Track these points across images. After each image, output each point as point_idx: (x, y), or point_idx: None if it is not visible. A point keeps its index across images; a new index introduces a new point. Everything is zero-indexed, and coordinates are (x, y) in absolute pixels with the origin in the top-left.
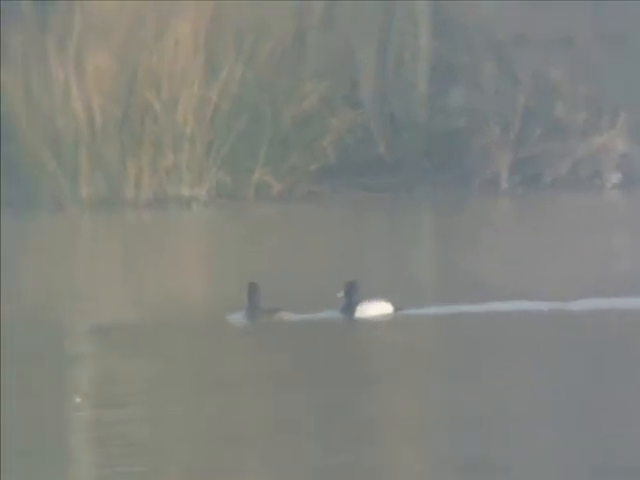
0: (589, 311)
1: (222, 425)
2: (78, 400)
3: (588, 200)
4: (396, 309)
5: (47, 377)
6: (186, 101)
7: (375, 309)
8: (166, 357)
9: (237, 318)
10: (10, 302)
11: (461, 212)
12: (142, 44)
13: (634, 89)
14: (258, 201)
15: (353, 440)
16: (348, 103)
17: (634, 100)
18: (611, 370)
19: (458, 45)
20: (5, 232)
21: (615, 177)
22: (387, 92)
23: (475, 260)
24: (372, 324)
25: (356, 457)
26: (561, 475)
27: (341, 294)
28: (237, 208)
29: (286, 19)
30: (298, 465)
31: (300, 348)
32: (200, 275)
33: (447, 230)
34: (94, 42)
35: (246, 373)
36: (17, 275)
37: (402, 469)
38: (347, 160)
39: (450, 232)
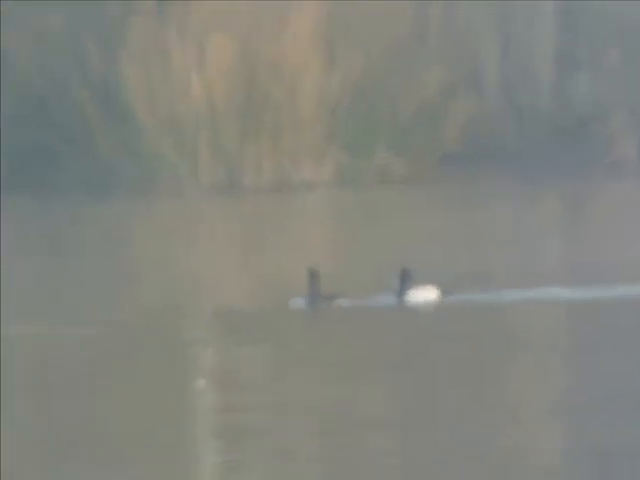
0: None
1: (345, 410)
2: (202, 384)
3: None
4: (444, 294)
5: (173, 360)
6: (307, 85)
7: (423, 294)
8: (284, 341)
9: (298, 303)
10: (135, 286)
11: (585, 199)
12: (263, 29)
13: None
14: (379, 185)
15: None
16: (470, 89)
17: None
18: None
19: (582, 31)
20: (125, 216)
21: None
22: (510, 78)
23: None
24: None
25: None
26: None
27: (394, 280)
28: (358, 192)
29: (408, 5)
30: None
31: (392, 333)
32: (321, 259)
33: (574, 217)
34: (215, 27)
35: (360, 357)
36: (139, 259)
37: None
38: (469, 146)
39: (577, 219)
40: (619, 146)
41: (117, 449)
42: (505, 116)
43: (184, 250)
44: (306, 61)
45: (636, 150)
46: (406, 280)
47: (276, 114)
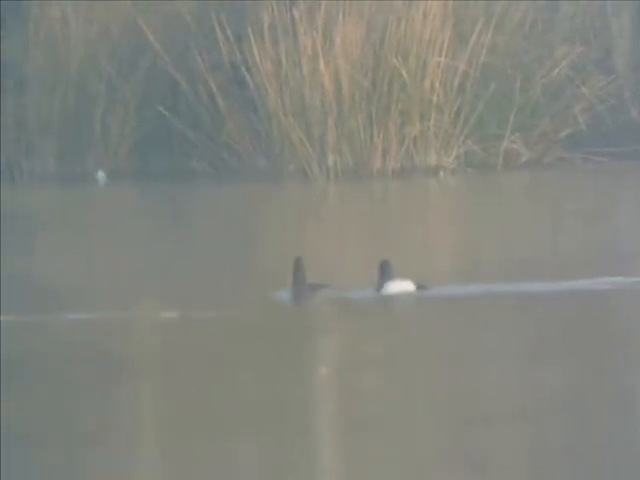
0: None
1: (480, 401)
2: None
3: None
4: (418, 287)
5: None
6: (434, 69)
7: (398, 287)
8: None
9: (282, 296)
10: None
11: None
12: (390, 12)
13: None
14: (506, 169)
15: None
16: (600, 70)
17: None
18: None
19: None
20: (255, 201)
21: None
22: None
23: None
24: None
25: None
26: None
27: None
28: (485, 176)
29: None
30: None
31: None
32: (446, 246)
33: None
34: (342, 11)
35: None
36: (264, 243)
37: None
38: (598, 127)
39: None
40: None
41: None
42: (635, 97)
43: (312, 234)
44: (433, 44)
45: None
46: (385, 273)
47: (403, 98)
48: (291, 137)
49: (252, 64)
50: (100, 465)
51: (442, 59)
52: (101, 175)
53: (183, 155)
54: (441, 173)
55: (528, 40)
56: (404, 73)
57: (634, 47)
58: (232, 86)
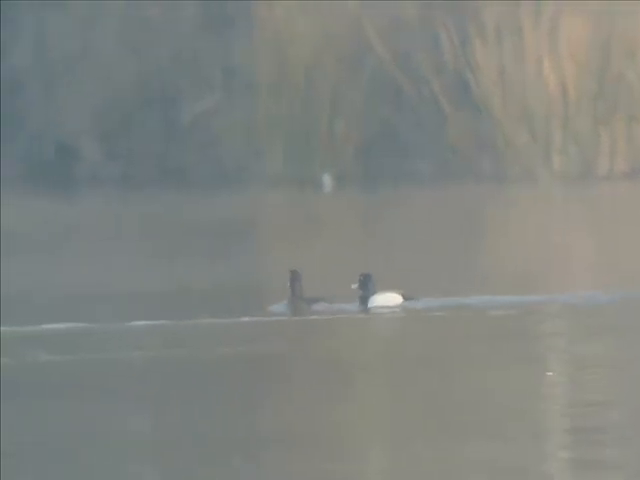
0: None
1: None
2: (550, 374)
3: None
4: (406, 299)
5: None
6: None
7: (386, 300)
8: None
9: (278, 309)
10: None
11: None
12: (617, 10)
13: None
14: None
15: None
16: None
17: None
18: None
19: None
20: (479, 202)
21: None
22: None
23: None
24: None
25: None
26: None
27: (355, 286)
28: None
29: None
30: None
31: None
32: None
33: None
34: (569, 10)
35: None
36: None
37: None
38: None
39: None
40: None
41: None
42: None
43: (548, 237)
44: None
45: None
46: (366, 285)
47: (629, 98)
48: (515, 139)
49: (475, 67)
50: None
51: None
52: (327, 178)
53: (406, 157)
54: None
55: None
56: (630, 73)
57: None
58: (456, 89)
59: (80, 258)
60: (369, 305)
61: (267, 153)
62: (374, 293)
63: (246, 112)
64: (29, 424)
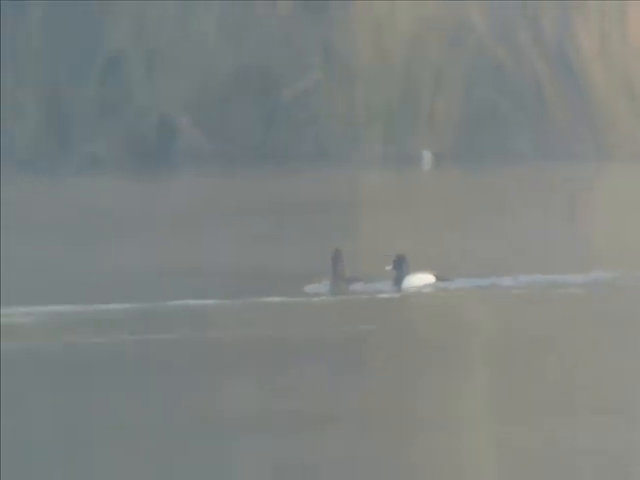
0: None
1: None
2: None
3: None
4: (438, 279)
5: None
6: None
7: (419, 280)
8: None
9: (316, 288)
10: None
11: None
12: None
13: None
14: None
15: None
16: None
17: None
18: None
19: None
20: (585, 180)
21: None
22: None
23: None
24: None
25: None
26: None
27: (390, 267)
28: None
29: None
30: None
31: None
32: None
33: None
34: None
35: None
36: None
37: None
38: None
39: None
40: None
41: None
42: None
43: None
44: None
45: None
46: (401, 267)
47: None
48: (618, 117)
49: (577, 44)
50: None
51: None
52: (426, 155)
53: (506, 135)
54: None
55: None
56: None
57: None
58: (557, 66)
59: (180, 236)
60: (402, 286)
61: (366, 131)
62: (407, 274)
63: (345, 91)
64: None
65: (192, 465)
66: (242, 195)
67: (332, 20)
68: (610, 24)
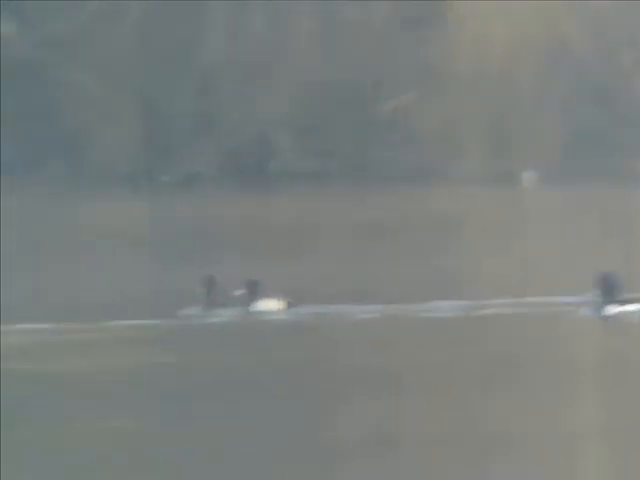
0: None
1: None
2: None
3: None
4: (289, 305)
5: None
6: None
7: (268, 305)
8: None
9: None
10: None
11: None
12: None
13: None
14: None
15: None
16: None
17: None
18: None
19: None
20: None
21: None
22: None
23: None
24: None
25: None
26: None
27: (241, 291)
28: None
29: None
30: None
31: None
32: None
33: None
34: None
35: None
36: None
37: None
38: None
39: None
40: None
41: None
42: None
43: None
44: None
45: None
46: (253, 291)
47: None
48: None
49: None
50: None
51: None
52: (528, 175)
53: (612, 155)
54: None
55: None
56: None
57: None
58: None
59: (276, 256)
60: (250, 310)
61: (465, 149)
62: (258, 299)
63: (443, 109)
64: None
65: None
66: (340, 212)
67: (431, 37)
68: None
